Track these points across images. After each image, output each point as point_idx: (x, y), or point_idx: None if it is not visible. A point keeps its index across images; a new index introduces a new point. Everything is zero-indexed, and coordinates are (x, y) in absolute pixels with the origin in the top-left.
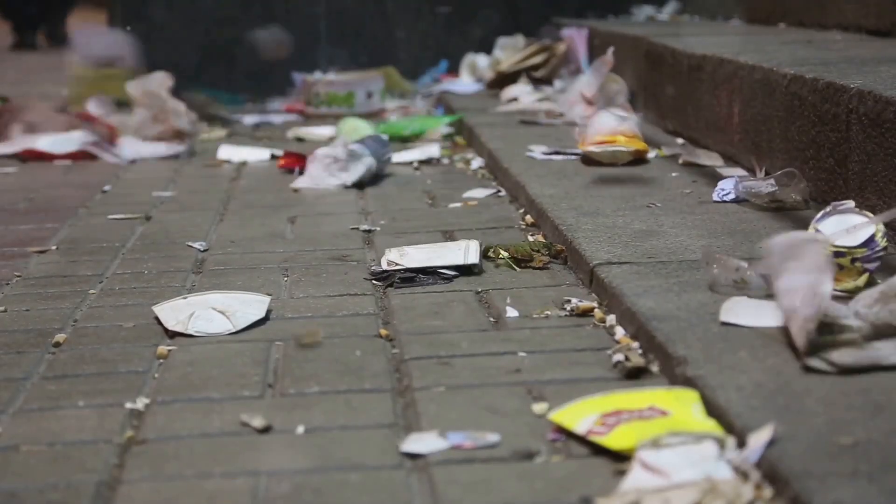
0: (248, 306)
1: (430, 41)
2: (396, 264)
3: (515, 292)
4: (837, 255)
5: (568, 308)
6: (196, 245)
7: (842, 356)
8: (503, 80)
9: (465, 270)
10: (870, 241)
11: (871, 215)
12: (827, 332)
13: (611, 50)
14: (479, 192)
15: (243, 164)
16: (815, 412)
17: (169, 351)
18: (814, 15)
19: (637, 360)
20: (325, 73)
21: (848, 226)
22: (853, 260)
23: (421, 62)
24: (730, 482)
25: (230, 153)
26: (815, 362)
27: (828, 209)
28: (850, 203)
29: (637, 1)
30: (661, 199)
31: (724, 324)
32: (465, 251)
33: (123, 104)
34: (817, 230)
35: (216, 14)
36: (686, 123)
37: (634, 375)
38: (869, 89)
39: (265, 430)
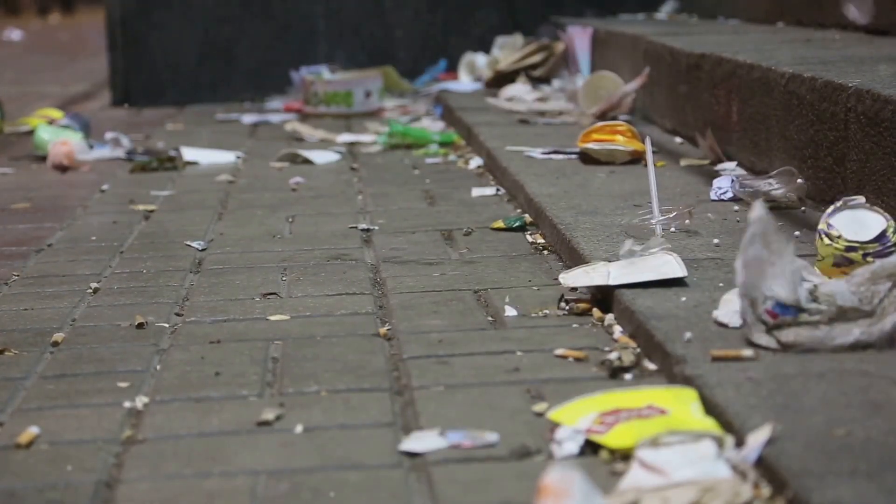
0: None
1: (429, 40)
2: (589, 284)
3: (514, 291)
4: (849, 249)
5: (566, 307)
6: (195, 244)
7: (787, 335)
8: (502, 79)
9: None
10: (882, 237)
11: (880, 210)
12: (795, 313)
13: (647, 70)
14: (478, 191)
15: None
16: (813, 411)
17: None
18: (812, 14)
19: (628, 359)
20: (333, 73)
21: (859, 221)
22: (865, 255)
23: (420, 61)
24: (728, 481)
25: (195, 155)
26: (763, 339)
27: (838, 204)
28: (861, 198)
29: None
30: (660, 198)
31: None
32: (678, 263)
33: None
34: (829, 225)
35: (215, 13)
36: (684, 122)
37: (617, 375)
38: (867, 88)
39: (277, 418)
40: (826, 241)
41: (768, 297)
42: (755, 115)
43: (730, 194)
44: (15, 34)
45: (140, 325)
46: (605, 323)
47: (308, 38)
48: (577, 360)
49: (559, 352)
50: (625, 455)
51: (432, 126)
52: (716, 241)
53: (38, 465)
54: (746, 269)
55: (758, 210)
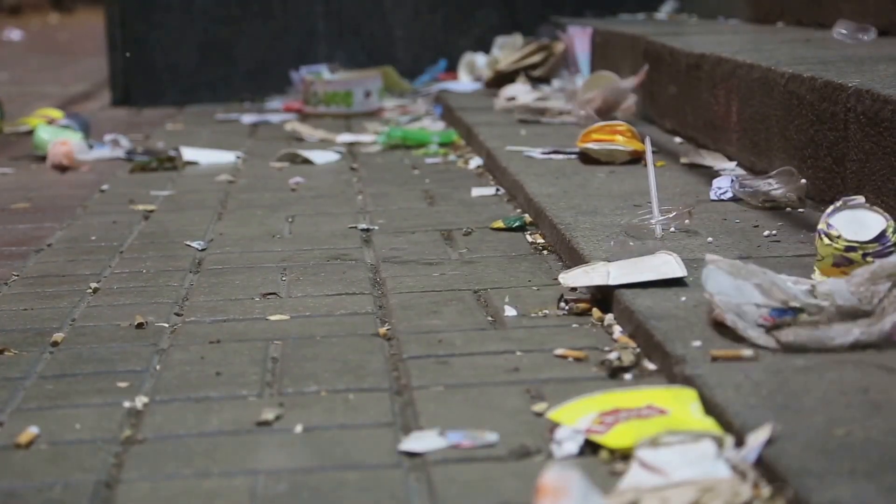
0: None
1: (429, 40)
2: (589, 284)
3: (514, 291)
4: (849, 249)
5: (566, 307)
6: (194, 244)
7: (787, 335)
8: (501, 79)
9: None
10: (881, 237)
11: (880, 210)
12: (793, 314)
13: (645, 67)
14: (478, 192)
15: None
16: (813, 411)
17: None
18: (812, 14)
19: (627, 359)
20: (333, 73)
21: (858, 221)
22: (864, 255)
23: (420, 61)
24: (728, 481)
25: (195, 155)
26: (762, 339)
27: (838, 204)
28: (860, 198)
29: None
30: (660, 198)
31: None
32: (678, 263)
33: None
34: (829, 225)
35: (215, 13)
36: (684, 122)
37: (616, 375)
38: (867, 88)
39: (276, 418)
40: (826, 241)
41: (762, 306)
42: (755, 115)
43: (730, 194)
44: (15, 34)
45: (140, 325)
46: (605, 323)
47: (308, 38)
48: (577, 360)
49: (559, 352)
50: (624, 455)
51: (432, 126)
52: (710, 239)
53: (38, 465)
54: (718, 297)
55: (709, 257)
